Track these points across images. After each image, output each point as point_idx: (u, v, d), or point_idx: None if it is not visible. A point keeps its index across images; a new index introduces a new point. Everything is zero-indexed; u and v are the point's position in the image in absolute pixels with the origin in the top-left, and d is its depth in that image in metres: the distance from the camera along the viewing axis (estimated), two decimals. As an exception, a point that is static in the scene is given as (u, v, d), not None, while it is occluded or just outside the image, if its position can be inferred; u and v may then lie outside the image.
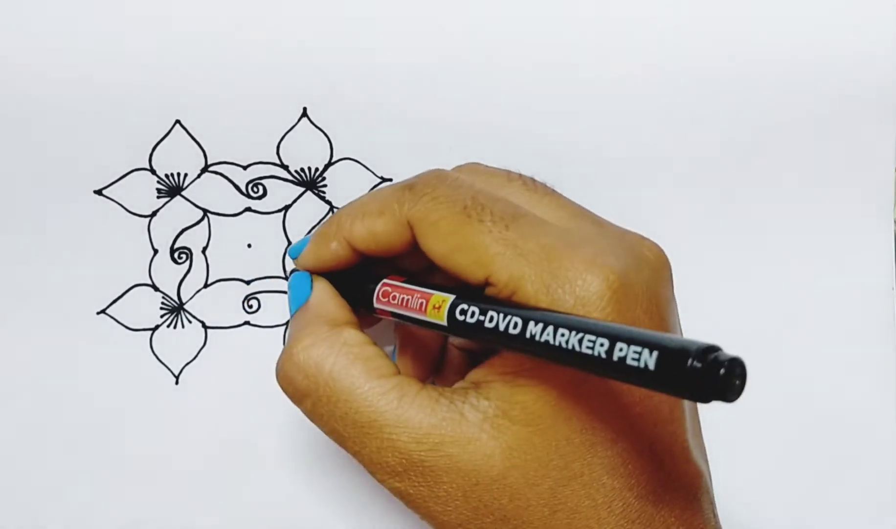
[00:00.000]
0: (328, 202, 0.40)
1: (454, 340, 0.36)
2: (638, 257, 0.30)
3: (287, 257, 0.39)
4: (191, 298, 0.40)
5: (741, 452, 0.39)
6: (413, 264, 0.34)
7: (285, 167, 0.39)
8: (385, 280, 0.33)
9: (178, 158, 0.39)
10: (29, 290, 0.39)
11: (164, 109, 0.39)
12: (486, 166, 0.34)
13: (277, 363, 0.32)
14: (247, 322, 0.40)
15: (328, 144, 0.39)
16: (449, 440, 0.29)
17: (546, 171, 0.38)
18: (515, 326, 0.27)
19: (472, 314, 0.28)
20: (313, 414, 0.31)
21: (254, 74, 0.39)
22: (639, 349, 0.23)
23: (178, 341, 0.40)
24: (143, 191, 0.39)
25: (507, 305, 0.28)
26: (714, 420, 0.39)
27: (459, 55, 0.39)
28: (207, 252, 0.40)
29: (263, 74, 0.39)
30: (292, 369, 0.31)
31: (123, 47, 0.38)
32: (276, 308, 0.40)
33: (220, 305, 0.40)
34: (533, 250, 0.29)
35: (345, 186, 0.39)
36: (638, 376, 0.23)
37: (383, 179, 0.40)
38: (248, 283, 0.40)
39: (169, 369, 0.40)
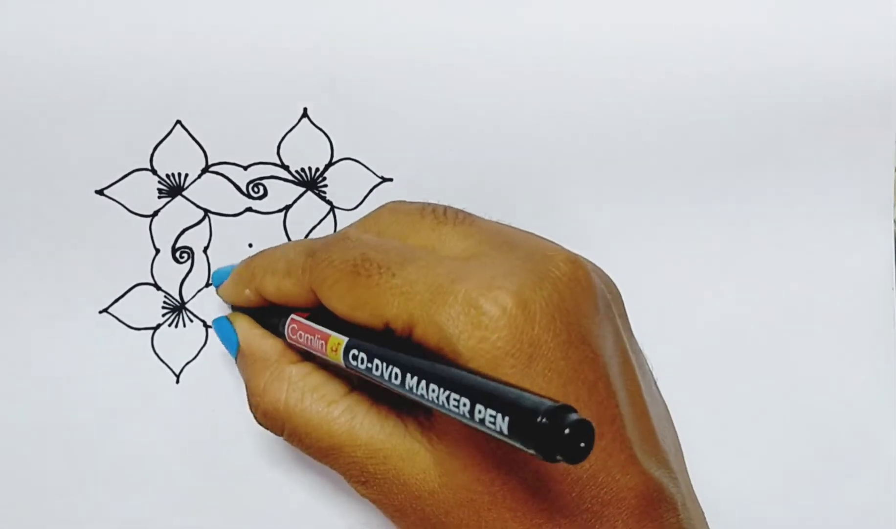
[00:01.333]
0: (329, 202, 0.40)
1: None
2: (539, 275, 0.29)
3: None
4: (192, 297, 0.40)
5: (740, 453, 0.39)
6: None
7: (286, 167, 0.39)
8: (292, 316, 0.35)
9: (179, 159, 0.39)
10: (31, 289, 0.40)
11: (164, 110, 0.39)
12: (404, 204, 0.35)
13: (251, 411, 0.36)
14: (247, 322, 0.40)
15: (329, 145, 0.39)
16: (394, 453, 0.31)
17: (546, 171, 0.39)
18: (396, 376, 0.28)
19: (362, 360, 0.30)
20: (292, 444, 0.35)
21: (254, 74, 0.39)
22: (493, 412, 0.24)
23: (180, 340, 0.40)
24: (144, 191, 0.39)
25: (395, 351, 0.29)
26: (714, 421, 0.39)
27: (460, 55, 0.39)
28: (209, 252, 0.40)
29: (264, 74, 0.39)
30: (259, 414, 0.35)
31: (124, 47, 0.38)
32: (275, 308, 0.40)
33: (220, 304, 0.40)
34: (420, 292, 0.29)
35: (345, 186, 0.40)
36: (497, 434, 0.24)
37: (384, 179, 0.40)
38: (248, 283, 0.40)
39: (170, 368, 0.40)
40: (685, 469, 0.34)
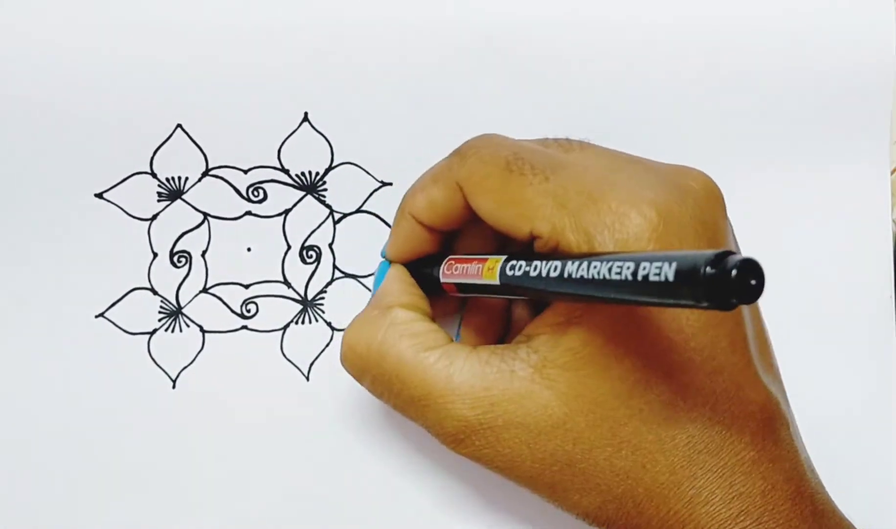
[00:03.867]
0: (328, 206, 0.40)
1: (516, 308, 0.37)
2: (682, 189, 0.30)
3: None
4: (189, 302, 0.40)
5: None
6: (481, 246, 0.35)
7: (286, 171, 0.40)
8: (449, 257, 0.34)
9: (179, 162, 0.39)
10: (28, 292, 0.39)
11: (165, 113, 0.39)
12: (518, 139, 0.34)
13: (341, 348, 0.34)
14: (244, 327, 0.40)
15: (329, 149, 0.39)
16: (503, 398, 0.30)
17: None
18: (555, 269, 0.27)
19: (520, 268, 0.29)
20: (374, 392, 0.33)
21: (255, 78, 0.39)
22: (659, 264, 0.23)
23: (176, 345, 0.40)
24: (143, 195, 0.39)
25: (550, 255, 0.29)
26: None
27: (460, 59, 0.39)
28: (207, 256, 0.40)
29: (264, 78, 0.39)
30: (347, 350, 0.33)
31: (125, 51, 0.38)
32: (273, 313, 0.40)
33: (218, 309, 0.40)
34: (572, 199, 0.29)
35: (345, 190, 0.40)
36: (661, 291, 0.23)
37: (383, 183, 0.40)
38: (246, 287, 0.40)
39: (166, 373, 0.40)
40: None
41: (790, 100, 0.39)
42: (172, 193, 0.40)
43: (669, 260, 0.23)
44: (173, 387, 0.40)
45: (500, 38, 0.39)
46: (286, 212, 0.40)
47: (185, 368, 0.40)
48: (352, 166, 0.40)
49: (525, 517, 0.40)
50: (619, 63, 0.39)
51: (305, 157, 0.39)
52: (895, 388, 0.39)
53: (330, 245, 0.40)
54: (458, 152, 0.33)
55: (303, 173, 0.40)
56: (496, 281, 0.31)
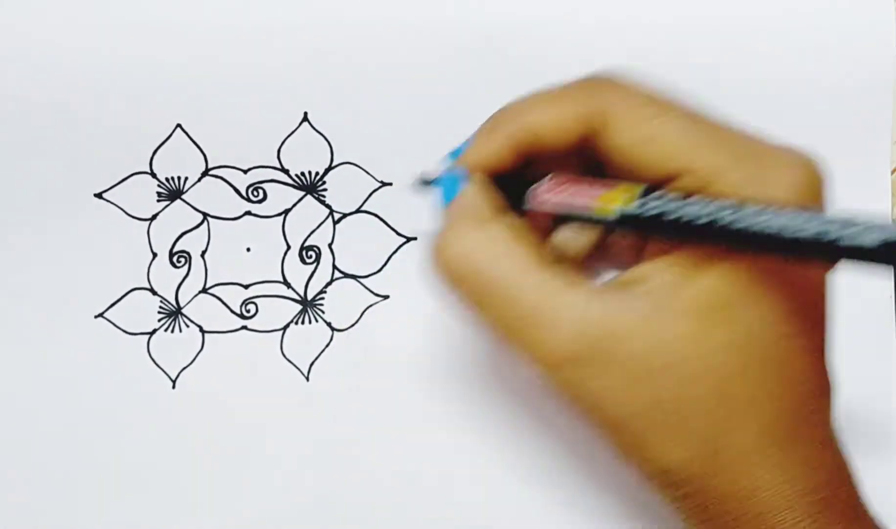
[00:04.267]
0: (328, 206, 0.40)
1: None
2: (810, 156, 0.29)
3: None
4: (189, 302, 0.40)
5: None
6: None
7: (286, 171, 0.40)
8: (554, 175, 0.31)
9: (179, 162, 0.39)
10: (27, 292, 0.39)
11: (164, 113, 0.39)
12: None
13: (431, 257, 0.30)
14: (244, 327, 0.40)
15: (328, 149, 0.39)
16: (618, 330, 0.28)
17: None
18: (728, 209, 0.26)
19: (668, 202, 0.27)
20: (469, 307, 0.30)
21: (255, 78, 0.39)
22: (856, 230, 0.24)
23: (176, 345, 0.40)
24: (143, 195, 0.39)
25: (694, 199, 0.27)
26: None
27: (459, 59, 0.39)
28: (206, 256, 0.40)
29: (264, 78, 0.39)
30: (443, 262, 0.30)
31: (125, 51, 0.39)
32: (273, 313, 0.40)
33: (217, 309, 0.40)
34: (735, 139, 0.28)
35: (345, 190, 0.40)
36: (852, 254, 0.24)
37: (383, 183, 0.40)
38: (246, 287, 0.40)
39: (166, 373, 0.40)
40: None
41: (790, 100, 0.39)
42: (172, 193, 0.40)
43: (870, 228, 0.23)
44: (173, 387, 0.40)
45: (500, 38, 0.39)
46: (286, 212, 0.40)
47: (184, 368, 0.40)
48: (351, 166, 0.40)
49: (525, 518, 0.40)
50: (618, 64, 0.39)
51: (305, 157, 0.39)
52: (895, 388, 0.39)
53: (329, 245, 0.40)
54: (590, 78, 0.30)
55: (302, 173, 0.40)
56: (613, 215, 0.28)
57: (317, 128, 0.39)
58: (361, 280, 0.40)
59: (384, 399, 0.40)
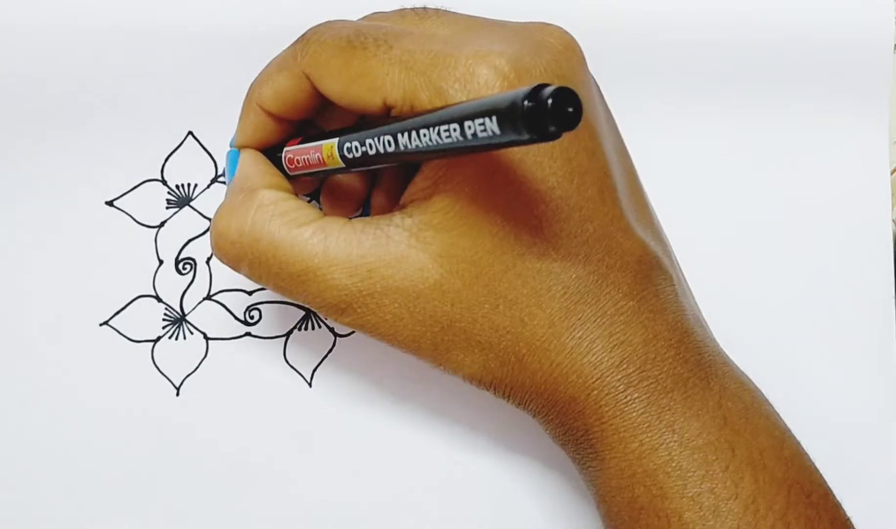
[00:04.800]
0: (331, 209, 0.40)
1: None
2: (536, 43, 0.30)
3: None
4: (193, 309, 0.40)
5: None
6: (333, 123, 0.35)
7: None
8: (286, 148, 0.34)
9: (190, 169, 0.40)
10: (33, 300, 0.40)
11: (176, 121, 0.40)
12: (380, 12, 0.34)
13: (210, 237, 0.33)
14: (248, 333, 0.40)
15: None
16: (380, 264, 0.30)
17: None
18: (389, 143, 0.28)
19: (357, 148, 0.30)
20: (252, 276, 0.32)
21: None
22: (482, 120, 0.24)
23: (180, 352, 0.40)
24: (153, 202, 0.40)
25: (382, 124, 0.28)
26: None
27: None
28: (211, 263, 0.40)
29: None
30: (219, 240, 0.33)
31: (137, 57, 0.39)
32: (276, 319, 0.40)
33: (221, 316, 0.40)
34: (420, 61, 0.29)
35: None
36: (493, 142, 0.24)
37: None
38: (249, 293, 0.40)
39: (170, 380, 0.40)
40: (674, 253, 0.35)
41: (790, 100, 0.39)
42: (181, 199, 0.40)
43: (492, 110, 0.24)
44: (177, 395, 0.40)
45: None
46: (290, 215, 0.40)
47: (188, 375, 0.40)
48: (356, 171, 0.40)
49: (529, 523, 0.39)
50: (617, 57, 0.39)
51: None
52: (895, 388, 0.39)
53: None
54: (301, 39, 0.32)
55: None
56: (340, 164, 0.31)
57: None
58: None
59: (387, 405, 0.40)
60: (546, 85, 0.23)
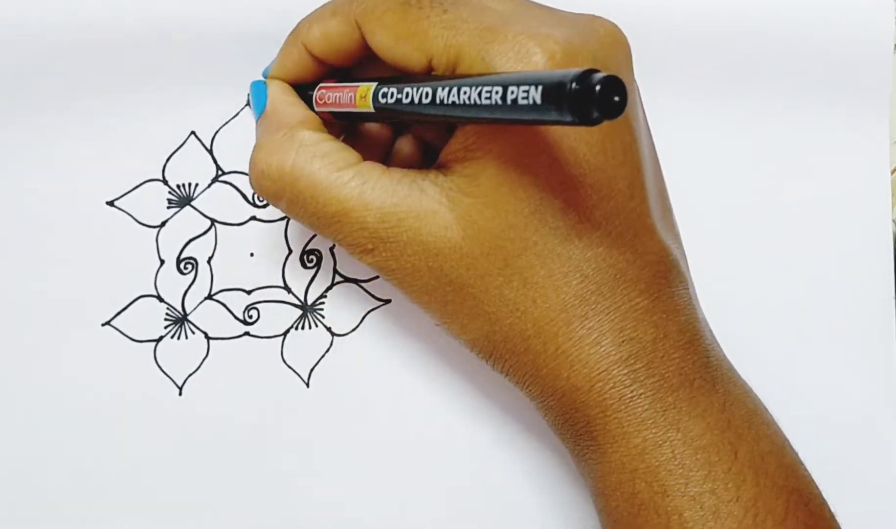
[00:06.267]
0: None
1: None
2: (586, 31, 0.30)
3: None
4: (195, 308, 0.40)
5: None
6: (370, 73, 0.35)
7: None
8: (321, 84, 0.34)
9: (191, 169, 0.40)
10: (36, 301, 0.40)
11: (178, 120, 0.40)
12: None
13: (249, 172, 0.34)
14: (246, 333, 0.40)
15: None
16: (410, 214, 0.31)
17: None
18: (427, 95, 0.28)
19: (392, 95, 0.30)
20: (290, 213, 0.34)
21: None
22: (526, 87, 0.24)
23: (182, 352, 0.40)
24: (154, 201, 0.40)
25: (423, 79, 0.29)
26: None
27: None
28: (212, 262, 0.40)
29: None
30: (259, 176, 0.34)
31: (138, 57, 0.39)
32: (274, 319, 0.40)
33: (222, 315, 0.40)
34: (471, 29, 0.29)
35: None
36: (532, 117, 0.24)
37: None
38: (248, 293, 0.40)
39: (172, 380, 0.40)
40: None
41: (790, 99, 0.39)
42: (182, 199, 0.40)
43: (537, 82, 0.24)
44: (180, 394, 0.40)
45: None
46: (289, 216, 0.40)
47: (191, 375, 0.40)
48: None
49: (530, 521, 0.39)
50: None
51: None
52: (895, 389, 0.38)
53: (331, 249, 0.40)
54: None
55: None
56: (370, 109, 0.31)
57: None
58: (362, 284, 0.40)
59: (384, 404, 0.39)
60: (596, 71, 0.23)
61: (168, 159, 0.40)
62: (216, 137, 0.40)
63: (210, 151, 0.40)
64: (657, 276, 0.31)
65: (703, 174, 0.39)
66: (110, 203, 0.40)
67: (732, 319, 0.38)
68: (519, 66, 0.28)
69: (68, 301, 0.40)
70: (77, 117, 0.40)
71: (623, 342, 0.30)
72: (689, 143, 0.39)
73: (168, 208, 0.40)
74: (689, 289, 0.32)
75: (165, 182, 0.40)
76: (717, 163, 0.39)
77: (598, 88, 0.23)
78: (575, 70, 0.23)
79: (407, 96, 0.29)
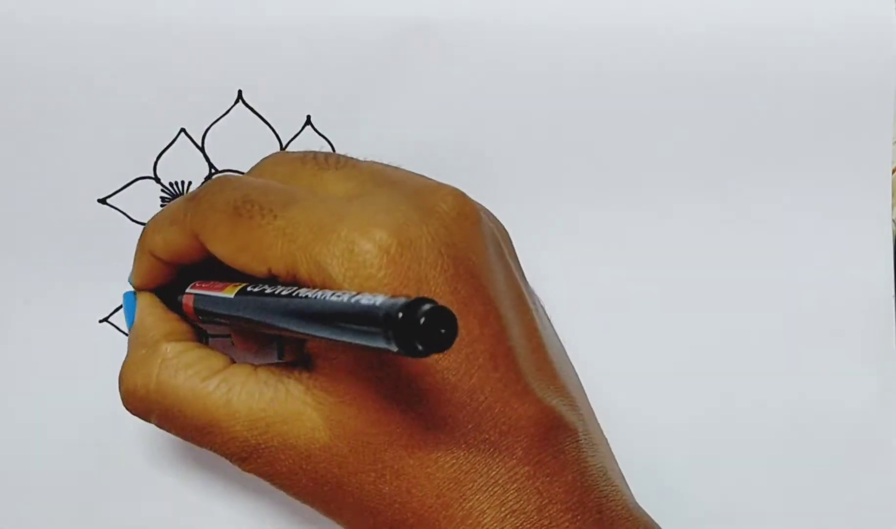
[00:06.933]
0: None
1: None
2: (425, 210, 0.30)
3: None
4: (190, 306, 0.40)
5: (739, 462, 0.39)
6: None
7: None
8: (188, 289, 0.34)
9: (183, 167, 0.39)
10: (31, 298, 0.40)
11: (168, 118, 0.39)
12: (287, 154, 0.35)
13: (119, 390, 0.34)
14: (239, 331, 0.40)
15: (331, 150, 0.40)
16: (277, 419, 0.30)
17: (543, 175, 0.39)
18: (268, 322, 0.29)
19: (234, 318, 0.32)
20: (163, 428, 0.33)
21: (258, 81, 0.39)
22: (355, 317, 0.24)
23: (179, 350, 0.40)
24: (146, 199, 0.40)
25: (261, 299, 0.29)
26: (712, 429, 0.39)
27: (460, 61, 0.39)
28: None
29: (268, 81, 0.39)
30: (125, 396, 0.34)
31: (129, 54, 0.39)
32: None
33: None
34: (302, 233, 0.29)
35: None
36: (362, 338, 0.24)
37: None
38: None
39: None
40: (587, 401, 0.35)
41: (790, 99, 0.39)
42: (175, 197, 0.40)
43: (364, 312, 0.24)
44: (176, 391, 0.40)
45: (499, 41, 0.39)
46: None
47: (187, 372, 0.40)
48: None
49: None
50: (617, 68, 0.39)
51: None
52: (895, 389, 0.39)
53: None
54: (193, 197, 0.33)
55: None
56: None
57: (319, 131, 0.39)
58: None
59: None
60: (425, 301, 0.23)
61: (159, 157, 0.39)
62: (207, 134, 0.39)
63: (202, 149, 0.39)
64: (536, 439, 0.30)
65: (701, 174, 0.39)
66: (102, 201, 0.39)
67: (732, 319, 0.39)
68: (353, 265, 0.28)
69: (64, 298, 0.40)
70: (66, 114, 0.39)
71: (505, 516, 0.29)
72: (688, 142, 0.39)
73: (161, 205, 0.40)
74: (581, 437, 0.31)
75: (157, 180, 0.40)
76: (716, 162, 0.39)
77: (422, 320, 0.23)
78: (401, 301, 0.23)
79: (254, 315, 0.29)
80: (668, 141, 0.39)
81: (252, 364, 0.32)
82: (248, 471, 0.32)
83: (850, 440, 0.38)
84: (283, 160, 0.34)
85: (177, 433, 0.33)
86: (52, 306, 0.40)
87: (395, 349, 0.23)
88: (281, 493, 0.39)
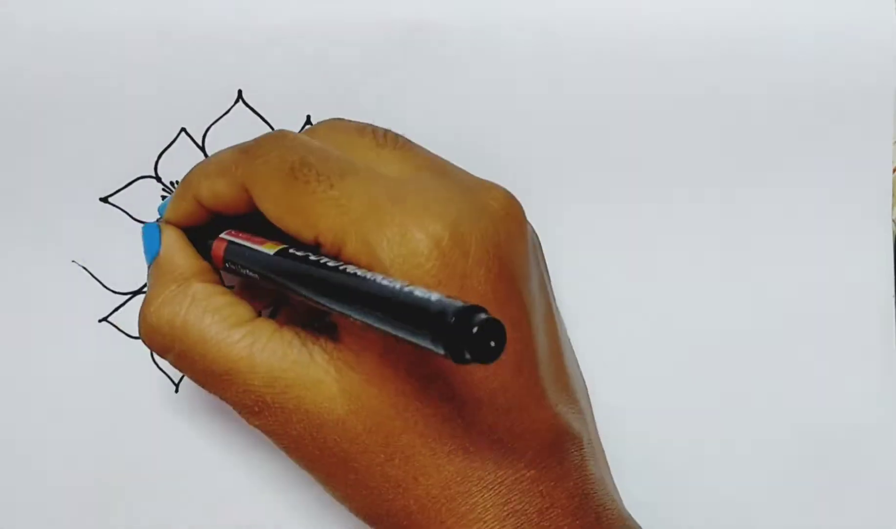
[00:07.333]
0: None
1: None
2: (478, 206, 0.30)
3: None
4: (191, 305, 0.40)
5: (741, 461, 0.39)
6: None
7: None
8: (221, 236, 0.34)
9: (184, 166, 0.39)
10: (31, 297, 0.40)
11: (169, 117, 0.39)
12: (344, 121, 0.34)
13: (138, 321, 0.34)
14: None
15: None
16: (297, 382, 0.30)
17: (547, 178, 0.39)
18: (313, 288, 0.28)
19: (278, 280, 0.30)
20: (178, 367, 0.33)
21: (259, 81, 0.39)
22: (407, 310, 0.24)
23: (179, 349, 0.40)
24: (148, 198, 0.40)
25: (308, 270, 0.29)
26: (713, 430, 0.39)
27: (460, 63, 0.39)
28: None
29: (268, 81, 0.39)
30: (148, 329, 0.33)
31: (130, 54, 0.39)
32: (273, 315, 0.40)
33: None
34: (356, 208, 0.29)
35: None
36: (406, 333, 0.24)
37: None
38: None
39: (169, 377, 0.40)
40: (591, 409, 0.35)
41: (790, 99, 0.39)
42: (175, 197, 0.40)
43: (418, 306, 0.24)
44: (176, 391, 0.40)
45: (499, 45, 0.39)
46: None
47: (187, 371, 0.40)
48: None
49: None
50: (620, 69, 0.39)
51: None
52: (895, 388, 0.39)
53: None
54: (245, 150, 0.32)
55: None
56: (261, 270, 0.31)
57: (318, 130, 0.39)
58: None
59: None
60: (479, 310, 0.23)
61: (160, 156, 0.40)
62: (207, 133, 0.39)
63: (202, 148, 0.39)
64: (545, 444, 0.30)
65: (700, 173, 0.39)
66: (104, 200, 0.40)
67: (732, 319, 0.39)
68: (403, 252, 0.28)
69: (64, 297, 0.40)
70: (67, 114, 0.39)
71: (507, 515, 0.29)
72: (687, 142, 0.39)
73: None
74: (585, 446, 0.32)
75: (158, 179, 0.40)
76: (715, 162, 0.39)
77: (475, 329, 0.22)
78: (457, 304, 0.23)
79: (292, 281, 0.29)
80: (669, 141, 0.39)
81: (277, 321, 0.32)
82: (255, 426, 0.32)
83: (850, 439, 0.38)
84: (340, 127, 0.33)
85: (191, 374, 0.33)
86: (51, 306, 0.40)
87: (441, 351, 0.23)
88: (280, 490, 0.39)
